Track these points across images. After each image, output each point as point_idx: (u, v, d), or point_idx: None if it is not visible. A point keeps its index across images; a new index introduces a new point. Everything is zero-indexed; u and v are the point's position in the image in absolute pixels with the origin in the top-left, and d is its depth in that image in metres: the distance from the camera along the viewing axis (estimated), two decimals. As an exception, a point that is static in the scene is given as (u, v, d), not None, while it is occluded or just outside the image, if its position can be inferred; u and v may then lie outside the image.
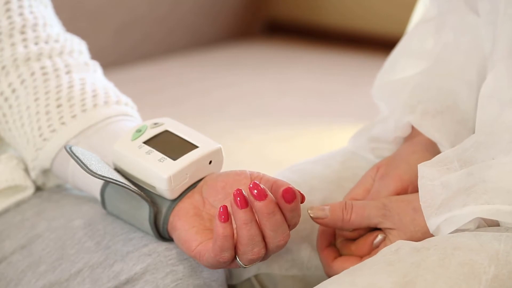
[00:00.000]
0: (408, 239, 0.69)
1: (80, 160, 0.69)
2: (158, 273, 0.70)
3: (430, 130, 0.79)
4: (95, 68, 0.89)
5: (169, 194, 0.71)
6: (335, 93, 3.42)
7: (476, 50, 0.83)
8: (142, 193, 0.71)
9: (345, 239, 0.75)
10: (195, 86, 3.48)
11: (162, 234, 0.72)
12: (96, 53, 1.06)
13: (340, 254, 0.75)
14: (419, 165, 0.71)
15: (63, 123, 0.81)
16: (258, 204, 0.63)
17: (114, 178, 0.69)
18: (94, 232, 0.76)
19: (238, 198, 0.63)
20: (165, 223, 0.71)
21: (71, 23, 1.78)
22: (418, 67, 0.86)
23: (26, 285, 0.76)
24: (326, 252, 0.75)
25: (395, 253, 0.65)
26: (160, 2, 3.81)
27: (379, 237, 0.72)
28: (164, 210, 0.71)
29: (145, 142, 0.73)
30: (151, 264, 0.71)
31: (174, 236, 0.70)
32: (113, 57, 3.55)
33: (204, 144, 0.72)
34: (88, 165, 0.69)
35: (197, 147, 0.72)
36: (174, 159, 0.71)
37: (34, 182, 0.86)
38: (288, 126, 2.93)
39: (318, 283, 0.66)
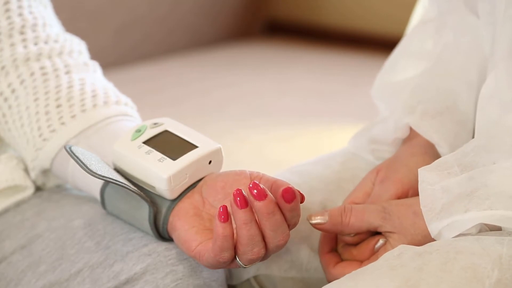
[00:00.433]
0: (409, 242, 0.69)
1: (80, 160, 0.69)
2: (158, 273, 0.70)
3: (428, 131, 0.79)
4: (95, 68, 0.89)
5: (169, 194, 0.71)
6: (335, 93, 3.42)
7: (476, 50, 0.83)
8: (142, 193, 0.71)
9: (347, 244, 0.75)
10: (195, 86, 3.47)
11: (162, 234, 0.72)
12: (96, 53, 1.06)
13: (341, 260, 0.74)
14: (419, 169, 0.71)
15: (62, 123, 0.81)
16: (258, 204, 0.63)
17: (114, 178, 0.69)
18: (94, 232, 0.76)
19: (238, 198, 0.63)
20: (165, 223, 0.71)
21: (71, 23, 1.78)
22: (418, 67, 0.86)
23: (26, 285, 0.76)
24: (327, 257, 0.74)
25: (397, 258, 0.64)
26: (160, 2, 3.81)
27: (381, 241, 0.71)
28: (164, 210, 0.71)
29: (144, 142, 0.73)
30: (151, 264, 0.71)
31: (174, 236, 0.70)
32: (113, 57, 3.55)
33: (204, 144, 0.72)
34: (88, 165, 0.69)
35: (196, 147, 0.72)
36: (174, 159, 0.71)
37: (34, 182, 0.86)
38: (288, 126, 2.93)
39: (318, 285, 0.66)
